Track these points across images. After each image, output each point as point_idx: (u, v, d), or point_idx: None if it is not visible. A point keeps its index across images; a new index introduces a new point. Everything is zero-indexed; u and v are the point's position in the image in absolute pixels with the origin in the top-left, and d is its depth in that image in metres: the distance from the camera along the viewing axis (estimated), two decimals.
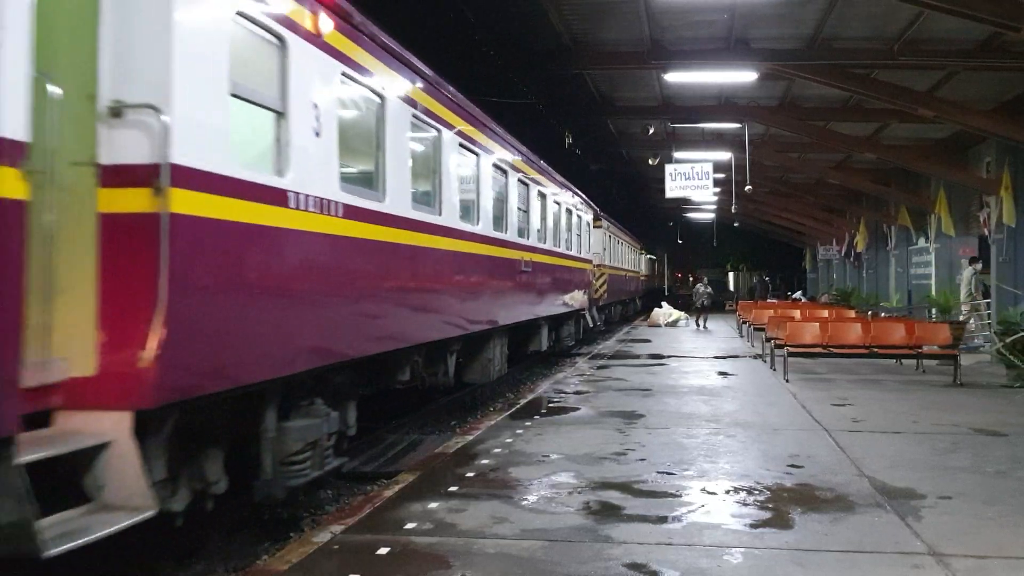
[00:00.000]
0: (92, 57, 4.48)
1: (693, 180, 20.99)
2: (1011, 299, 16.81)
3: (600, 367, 16.10)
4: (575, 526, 5.64)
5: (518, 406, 11.12)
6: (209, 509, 5.62)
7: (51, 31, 4.31)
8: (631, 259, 36.45)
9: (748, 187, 22.81)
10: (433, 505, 6.16)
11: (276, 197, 5.66)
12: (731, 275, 62.61)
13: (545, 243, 15.90)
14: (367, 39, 7.37)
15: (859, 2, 12.44)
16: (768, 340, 16.70)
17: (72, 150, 4.41)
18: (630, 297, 37.14)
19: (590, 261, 22.42)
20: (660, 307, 32.83)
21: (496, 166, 12.15)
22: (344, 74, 6.84)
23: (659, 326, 30.35)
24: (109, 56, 4.50)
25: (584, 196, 21.45)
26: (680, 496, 6.42)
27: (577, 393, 12.33)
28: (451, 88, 9.97)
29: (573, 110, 20.19)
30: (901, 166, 23.06)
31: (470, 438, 8.80)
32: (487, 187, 11.58)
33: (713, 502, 6.26)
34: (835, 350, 14.25)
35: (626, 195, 39.27)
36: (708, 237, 54.17)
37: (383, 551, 5.15)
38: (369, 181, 7.61)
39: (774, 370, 15.13)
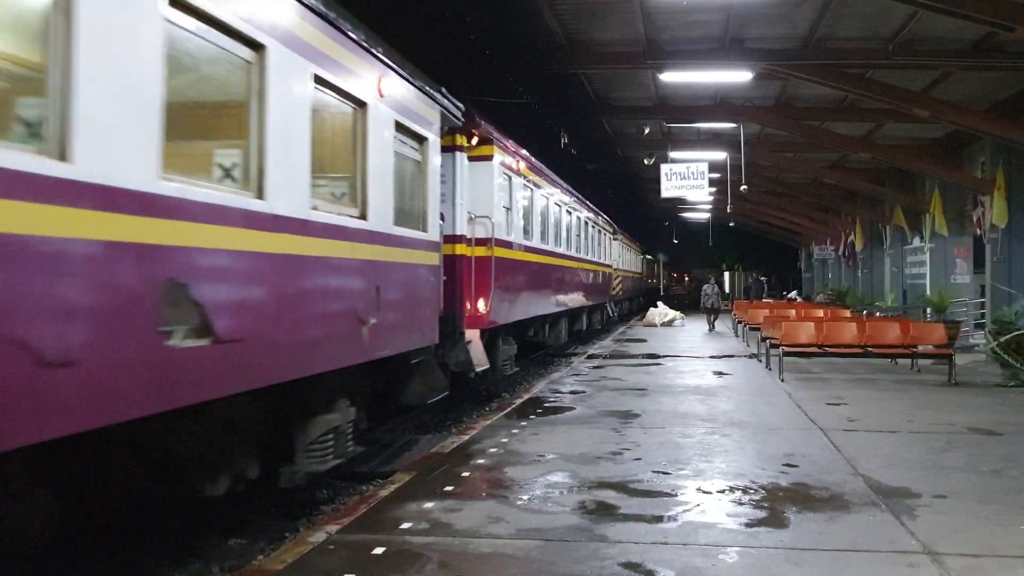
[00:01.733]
0: (466, 198, 11.62)
1: (689, 180, 21.02)
2: (1006, 298, 16.85)
3: (596, 367, 16.10)
4: (571, 526, 5.64)
5: (514, 406, 11.11)
6: (507, 374, 14.06)
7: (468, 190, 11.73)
8: (634, 262, 41.49)
9: (744, 187, 22.83)
10: (429, 505, 6.16)
11: (527, 248, 14.66)
12: (727, 275, 62.64)
13: (586, 255, 22.65)
14: (541, 169, 16.49)
15: (854, 2, 12.46)
16: (763, 340, 16.73)
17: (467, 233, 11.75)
18: (635, 294, 42.59)
19: (610, 266, 29.06)
20: (656, 307, 32.83)
21: (567, 208, 19.60)
22: (524, 185, 14.76)
23: (655, 326, 30.36)
24: (470, 198, 11.67)
25: (606, 216, 28.31)
26: (676, 495, 6.43)
27: (573, 393, 12.34)
28: (567, 185, 19.80)
29: (569, 110, 20.19)
30: (896, 166, 23.11)
31: (466, 438, 8.80)
32: (564, 223, 19.14)
33: (708, 501, 6.26)
34: (830, 350, 14.27)
35: (622, 195, 39.30)
36: (704, 237, 54.24)
37: (379, 551, 5.15)
38: (544, 238, 16.73)
39: (769, 370, 15.15)
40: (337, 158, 7.25)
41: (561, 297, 18.35)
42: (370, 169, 7.49)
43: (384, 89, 7.77)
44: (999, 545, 5.23)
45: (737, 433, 9.07)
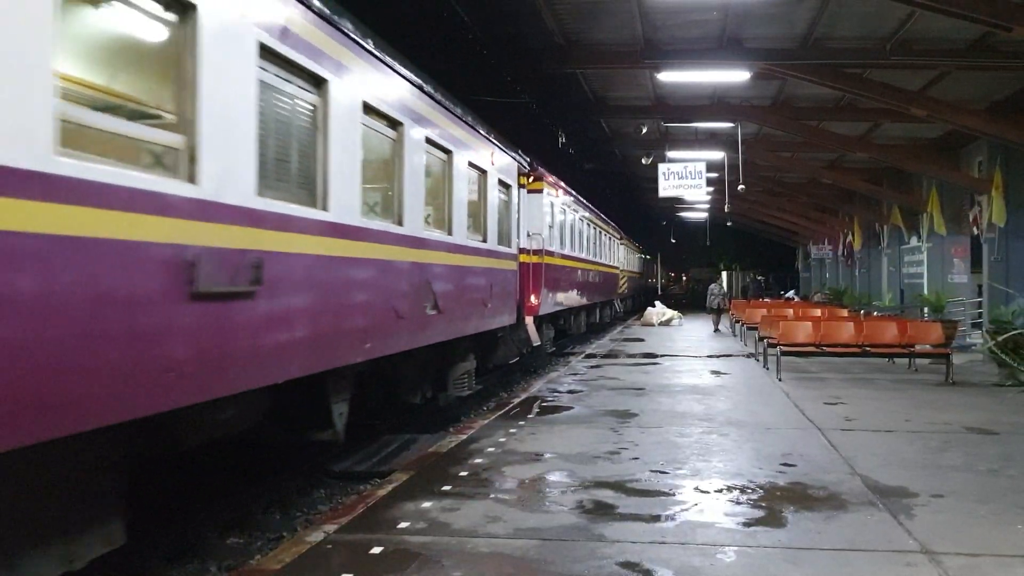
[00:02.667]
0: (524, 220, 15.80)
1: (686, 179, 21.03)
2: (1003, 298, 16.86)
3: (594, 366, 16.11)
4: (568, 525, 5.64)
5: (511, 405, 11.11)
6: (547, 351, 18.97)
7: (526, 214, 16.08)
8: (635, 263, 44.96)
9: (741, 186, 22.82)
10: (427, 504, 6.16)
11: (571, 259, 20.49)
12: (724, 274, 62.73)
13: (601, 259, 27.45)
14: (571, 192, 21.23)
15: (851, 2, 12.46)
16: (761, 339, 16.74)
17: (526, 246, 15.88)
18: (635, 293, 45.74)
19: (617, 268, 33.22)
20: (654, 306, 32.84)
21: (588, 221, 24.30)
22: (561, 207, 19.46)
23: (652, 325, 30.37)
24: (527, 219, 15.88)
25: (615, 224, 32.35)
26: (673, 495, 6.43)
27: (571, 392, 12.34)
28: (588, 203, 24.37)
29: (566, 109, 20.18)
30: (893, 165, 23.12)
31: (463, 437, 8.80)
32: (586, 234, 23.98)
33: (706, 501, 6.27)
34: (828, 349, 14.29)
35: (619, 194, 39.31)
36: (701, 236, 54.27)
37: (376, 550, 5.15)
38: (574, 247, 21.25)
39: (767, 369, 15.17)
40: (470, 206, 11.05)
41: (585, 294, 23.27)
42: (488, 211, 11.84)
43: (495, 160, 12.33)
44: (996, 544, 5.23)
45: (735, 432, 9.07)
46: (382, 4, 11.52)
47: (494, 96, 16.38)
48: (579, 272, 22.15)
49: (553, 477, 7.00)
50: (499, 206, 12.55)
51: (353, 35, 6.97)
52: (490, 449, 8.14)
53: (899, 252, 26.25)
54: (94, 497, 4.58)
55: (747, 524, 5.66)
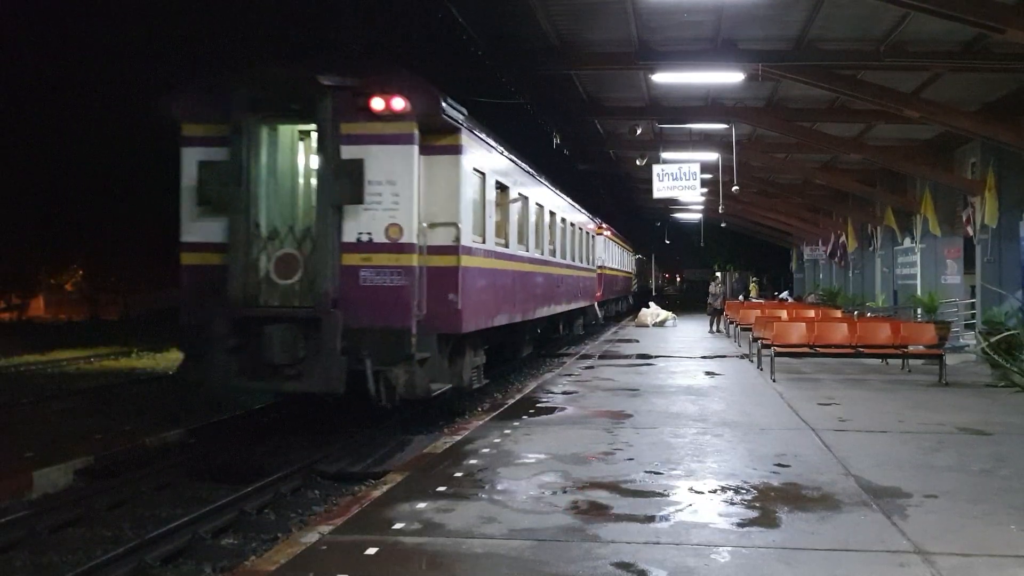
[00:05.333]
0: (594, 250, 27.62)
1: (681, 181, 21.02)
2: (996, 299, 16.93)
3: (588, 367, 16.12)
4: (563, 526, 5.65)
5: (506, 406, 11.12)
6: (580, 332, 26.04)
7: (596, 246, 28.54)
8: (633, 264, 49.44)
9: (735, 187, 22.86)
10: (421, 505, 6.16)
11: (607, 266, 31.88)
12: (718, 275, 62.80)
13: (621, 267, 38.24)
14: (612, 226, 34.83)
15: (845, 4, 12.48)
16: (755, 340, 16.77)
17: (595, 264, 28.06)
18: (633, 292, 50.84)
19: (631, 272, 44.31)
20: (648, 307, 32.88)
21: (616, 241, 35.24)
22: (605, 239, 31.02)
23: (647, 326, 30.40)
24: (604, 252, 30.94)
25: (623, 235, 40.61)
26: (668, 495, 6.44)
27: (565, 393, 12.35)
28: (616, 228, 36.82)
29: (561, 110, 20.20)
30: (887, 167, 23.18)
31: (458, 438, 8.80)
32: (616, 252, 35.39)
33: (700, 501, 6.28)
34: (821, 350, 14.31)
35: (614, 195, 39.44)
36: (696, 237, 54.32)
37: (371, 551, 5.15)
38: (612, 261, 33.99)
39: (761, 370, 15.20)
40: (581, 248, 22.78)
41: (614, 289, 34.16)
42: (597, 251, 26.58)
43: (602, 228, 28.99)
44: (989, 544, 5.26)
45: (729, 433, 9.09)
46: (380, 3, 11.52)
47: (489, 97, 16.38)
48: (611, 277, 33.46)
49: (548, 478, 7.00)
50: (591, 245, 25.33)
51: (530, 169, 15.36)
52: (485, 450, 8.14)
53: (892, 253, 26.32)
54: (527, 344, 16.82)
55: (741, 524, 5.68)
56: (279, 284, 9.61)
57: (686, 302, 53.00)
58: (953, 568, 4.82)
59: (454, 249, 9.96)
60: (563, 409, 10.83)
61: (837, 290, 32.45)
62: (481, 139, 11.32)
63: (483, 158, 11.48)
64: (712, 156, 23.34)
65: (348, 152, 9.45)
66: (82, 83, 51.44)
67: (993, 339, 13.76)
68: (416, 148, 9.65)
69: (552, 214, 17.97)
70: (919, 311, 20.71)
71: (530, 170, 15.29)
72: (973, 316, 19.59)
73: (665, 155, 23.06)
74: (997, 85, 15.90)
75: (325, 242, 9.37)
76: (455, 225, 9.94)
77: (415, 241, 9.63)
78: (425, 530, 5.56)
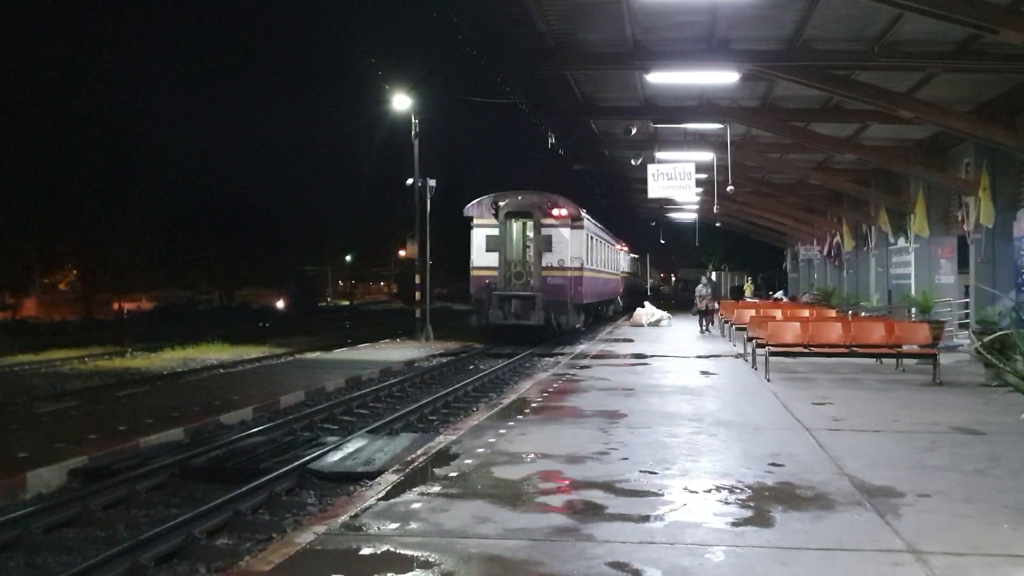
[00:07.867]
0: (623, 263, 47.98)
1: (675, 180, 21.04)
2: (989, 299, 16.96)
3: (583, 367, 16.12)
4: (558, 525, 5.65)
5: (501, 406, 11.12)
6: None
7: (623, 260, 48.90)
8: (631, 265, 53.93)
9: (730, 187, 22.88)
10: (416, 505, 6.16)
11: (626, 272, 48.10)
12: (713, 275, 62.90)
13: (626, 271, 46.60)
14: (624, 242, 48.57)
15: (838, 4, 12.50)
16: (750, 340, 16.79)
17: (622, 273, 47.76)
18: (634, 291, 55.09)
19: (634, 274, 52.41)
20: (643, 307, 32.92)
21: (625, 252, 47.15)
22: (625, 252, 47.63)
23: (641, 326, 30.43)
24: (622, 262, 48.03)
25: (626, 243, 47.66)
26: (662, 495, 6.45)
27: (560, 393, 12.35)
28: (627, 244, 50.08)
29: (556, 110, 20.19)
30: (881, 167, 23.22)
31: (453, 438, 8.79)
32: (626, 260, 47.79)
33: (695, 501, 6.29)
34: (816, 350, 14.34)
35: (609, 195, 39.56)
36: (690, 237, 54.41)
37: (366, 551, 5.15)
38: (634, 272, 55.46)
39: (755, 369, 15.22)
40: (613, 262, 38.84)
41: (626, 287, 43.34)
42: (620, 263, 43.11)
43: (623, 246, 44.51)
44: (983, 544, 5.27)
45: (723, 433, 9.10)
46: (375, 4, 11.51)
47: (484, 97, 16.38)
48: (625, 280, 44.92)
49: (542, 477, 7.00)
50: (614, 257, 38.34)
51: (600, 227, 32.99)
52: (480, 450, 8.14)
53: (887, 253, 26.37)
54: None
55: (735, 524, 5.69)
56: (515, 282, 24.88)
57: (681, 302, 53.06)
58: (947, 567, 4.83)
59: (580, 268, 26.43)
60: (558, 408, 10.83)
61: (831, 290, 32.51)
62: (590, 220, 28.71)
63: (589, 229, 28.14)
64: (707, 156, 23.36)
65: (544, 231, 25.41)
66: (82, 84, 51.27)
67: (987, 339, 13.74)
68: (569, 228, 25.98)
69: (603, 243, 33.59)
70: (913, 311, 20.74)
71: (600, 227, 32.25)
72: (967, 316, 19.63)
73: (660, 155, 23.10)
74: (991, 85, 15.94)
75: (536, 266, 24.94)
76: (580, 258, 26.31)
77: (568, 265, 25.76)
78: (420, 530, 5.56)
